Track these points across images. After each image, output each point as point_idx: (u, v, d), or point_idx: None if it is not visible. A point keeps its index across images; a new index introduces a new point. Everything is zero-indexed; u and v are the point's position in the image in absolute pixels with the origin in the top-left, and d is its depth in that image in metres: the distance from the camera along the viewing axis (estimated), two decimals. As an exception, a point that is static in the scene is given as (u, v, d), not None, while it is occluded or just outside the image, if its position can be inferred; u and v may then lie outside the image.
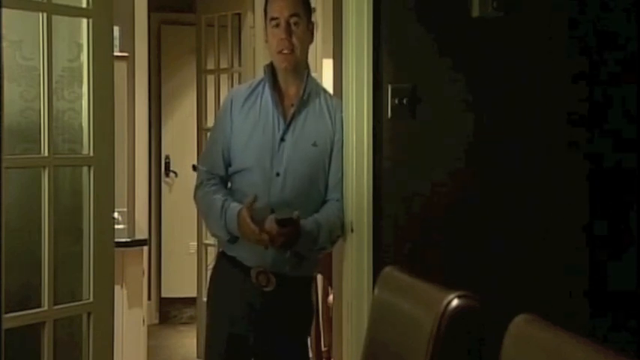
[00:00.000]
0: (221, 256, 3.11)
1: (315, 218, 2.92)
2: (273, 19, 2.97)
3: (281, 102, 3.01)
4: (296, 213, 2.81)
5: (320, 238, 2.91)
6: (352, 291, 2.96)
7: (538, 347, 1.58)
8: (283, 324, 2.98)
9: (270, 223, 2.80)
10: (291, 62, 2.98)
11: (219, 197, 2.97)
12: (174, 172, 7.61)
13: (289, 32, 2.94)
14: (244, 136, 2.99)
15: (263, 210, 2.86)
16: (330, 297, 4.04)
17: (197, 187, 3.09)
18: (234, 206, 2.91)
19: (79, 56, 3.02)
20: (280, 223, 2.80)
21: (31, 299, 2.85)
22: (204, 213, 3.12)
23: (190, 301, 6.55)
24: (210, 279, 3.21)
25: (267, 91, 3.02)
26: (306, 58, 3.06)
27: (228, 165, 3.03)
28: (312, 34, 3.06)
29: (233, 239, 2.96)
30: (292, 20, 2.95)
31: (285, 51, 2.96)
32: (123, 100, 4.75)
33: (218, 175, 3.04)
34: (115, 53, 3.40)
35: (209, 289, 3.20)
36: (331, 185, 3.00)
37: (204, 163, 3.12)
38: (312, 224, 2.90)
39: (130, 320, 4.51)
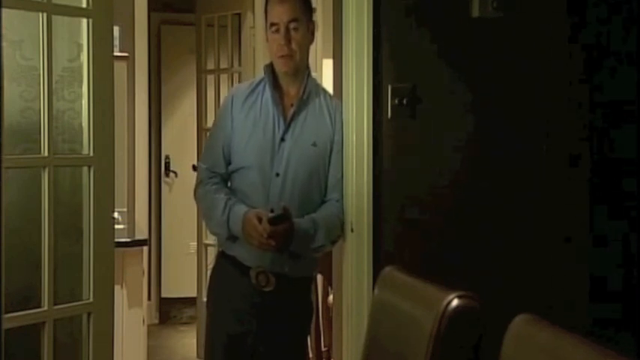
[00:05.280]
0: (220, 256, 3.11)
1: (311, 217, 2.92)
2: (272, 24, 2.97)
3: (281, 101, 3.01)
4: (282, 205, 2.81)
5: (317, 237, 2.91)
6: (352, 291, 2.96)
7: (538, 347, 1.58)
8: (282, 324, 2.98)
9: (264, 224, 2.81)
10: (291, 67, 2.98)
11: (221, 196, 2.97)
12: (174, 172, 7.61)
13: (288, 38, 2.95)
14: (244, 135, 2.99)
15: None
16: (330, 297, 4.04)
17: (197, 185, 3.09)
18: (240, 207, 2.91)
19: (79, 56, 3.02)
20: (273, 221, 2.80)
21: (31, 299, 2.85)
22: (204, 210, 3.12)
23: (190, 301, 6.55)
24: (210, 279, 3.21)
25: (268, 91, 3.02)
26: (307, 59, 3.06)
27: (228, 163, 3.03)
28: (313, 34, 3.07)
29: (232, 238, 2.96)
30: (291, 25, 2.95)
31: (285, 56, 2.96)
32: (123, 100, 4.75)
33: (219, 173, 3.04)
34: (115, 53, 3.40)
35: (208, 289, 3.20)
36: (331, 185, 3.00)
37: (204, 161, 3.12)
38: (309, 223, 2.90)
39: (130, 320, 4.51)
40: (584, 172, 3.15)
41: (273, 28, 2.97)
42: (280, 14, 2.96)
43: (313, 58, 4.50)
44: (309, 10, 3.04)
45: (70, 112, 3.04)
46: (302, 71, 3.02)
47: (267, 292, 2.94)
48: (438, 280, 2.05)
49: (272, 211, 2.86)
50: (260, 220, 2.82)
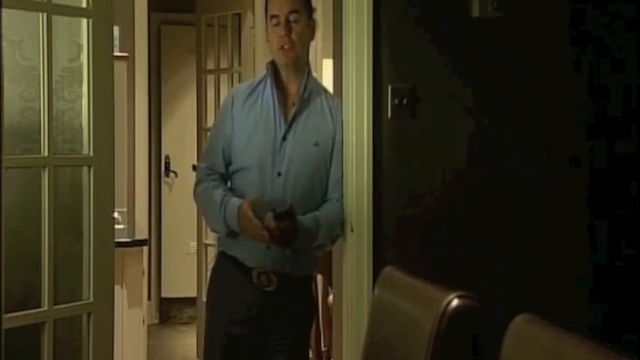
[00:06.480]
0: (221, 256, 3.11)
1: (314, 215, 2.92)
2: (273, 16, 2.98)
3: (283, 100, 3.01)
4: (289, 203, 2.82)
5: (319, 236, 2.91)
6: (352, 291, 2.96)
7: (538, 347, 1.58)
8: (284, 323, 2.97)
9: (268, 219, 2.81)
10: (292, 58, 2.98)
11: (218, 192, 2.97)
12: (174, 172, 7.61)
13: (289, 29, 2.96)
14: (245, 135, 2.99)
15: (264, 207, 2.86)
16: (330, 297, 4.04)
17: (197, 184, 3.09)
18: (235, 201, 2.91)
19: (79, 56, 3.02)
20: (278, 217, 2.80)
21: (31, 299, 2.85)
22: (203, 208, 3.11)
23: (190, 301, 6.55)
24: (210, 280, 3.20)
25: (268, 90, 3.02)
26: (307, 54, 3.06)
27: (228, 163, 3.03)
28: (313, 31, 3.07)
29: (232, 234, 2.96)
30: (292, 17, 2.96)
31: (286, 47, 2.96)
32: (123, 100, 4.76)
33: (218, 172, 3.04)
34: (115, 53, 3.40)
35: (209, 289, 3.19)
36: (331, 185, 3.00)
37: (204, 160, 3.12)
38: (311, 221, 2.90)
39: (130, 320, 4.51)
40: (584, 171, 3.15)
41: (274, 21, 2.98)
42: (281, 6, 2.97)
43: (313, 58, 4.51)
44: (309, 5, 3.05)
45: (70, 112, 3.04)
46: (302, 66, 3.02)
47: (268, 291, 2.94)
48: (438, 280, 2.05)
49: (274, 210, 2.86)
50: (254, 209, 2.82)
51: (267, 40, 3.06)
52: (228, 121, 3.03)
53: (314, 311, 3.25)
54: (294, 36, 2.96)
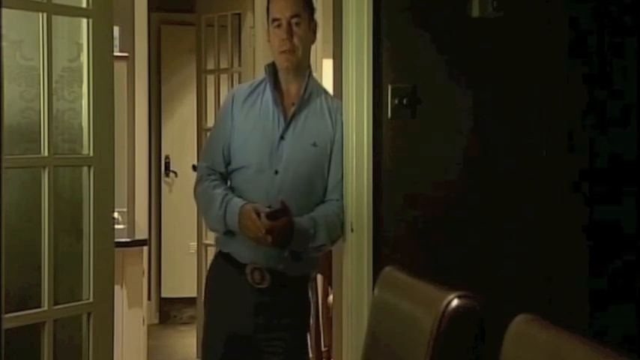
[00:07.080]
0: (217, 256, 3.11)
1: (311, 216, 2.92)
2: (274, 19, 2.98)
3: (281, 101, 3.01)
4: (280, 199, 2.81)
5: (318, 236, 2.91)
6: (352, 291, 2.96)
7: (538, 347, 1.58)
8: (281, 322, 2.97)
9: (262, 219, 2.81)
10: (293, 62, 2.98)
11: (219, 192, 2.97)
12: (174, 172, 7.61)
13: (290, 32, 2.95)
14: (244, 134, 3.00)
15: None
16: (330, 297, 4.04)
17: (197, 183, 3.09)
18: (237, 201, 2.92)
19: (79, 56, 3.02)
20: (271, 216, 2.80)
21: (31, 299, 2.85)
22: (203, 206, 3.11)
23: (190, 301, 6.55)
24: (207, 279, 3.20)
25: (268, 91, 3.02)
26: (308, 57, 3.06)
27: (228, 162, 3.04)
28: (315, 33, 3.07)
29: (229, 233, 2.96)
30: (294, 20, 2.96)
31: (287, 51, 2.96)
32: (123, 100, 4.76)
33: (218, 171, 3.05)
34: (115, 53, 3.40)
35: (205, 288, 3.19)
36: (331, 186, 3.00)
37: (204, 159, 3.13)
38: (309, 221, 2.90)
39: (130, 320, 4.51)
40: (584, 171, 3.15)
41: (275, 24, 2.97)
42: (282, 9, 2.97)
43: (313, 58, 4.50)
44: (310, 7, 3.05)
45: (70, 112, 3.04)
46: (303, 69, 3.02)
47: (264, 289, 2.94)
48: (438, 280, 2.05)
49: (270, 207, 2.86)
50: (258, 214, 2.82)
51: (268, 41, 3.06)
52: (228, 121, 3.04)
53: (310, 309, 3.24)
54: (295, 40, 2.96)
